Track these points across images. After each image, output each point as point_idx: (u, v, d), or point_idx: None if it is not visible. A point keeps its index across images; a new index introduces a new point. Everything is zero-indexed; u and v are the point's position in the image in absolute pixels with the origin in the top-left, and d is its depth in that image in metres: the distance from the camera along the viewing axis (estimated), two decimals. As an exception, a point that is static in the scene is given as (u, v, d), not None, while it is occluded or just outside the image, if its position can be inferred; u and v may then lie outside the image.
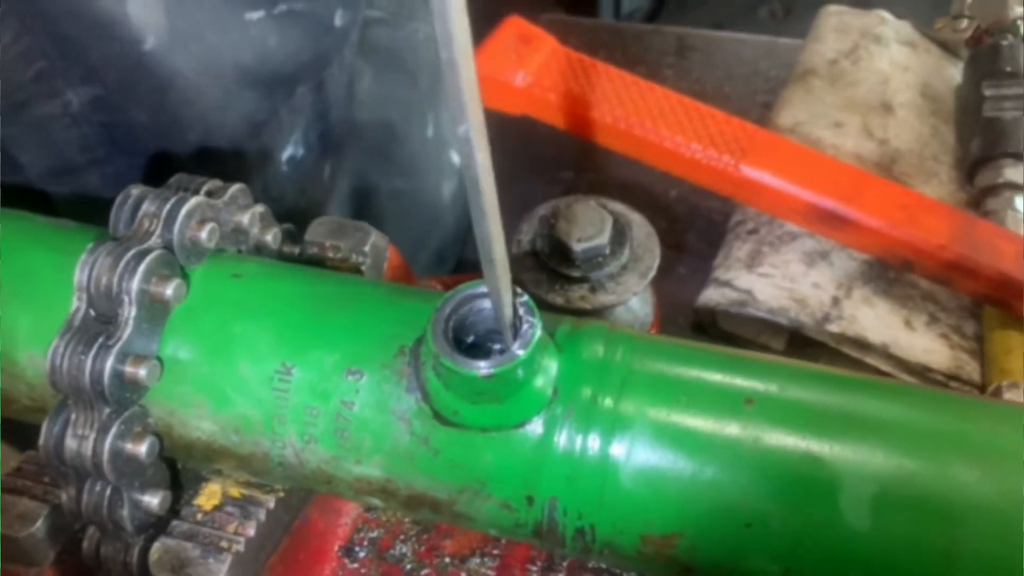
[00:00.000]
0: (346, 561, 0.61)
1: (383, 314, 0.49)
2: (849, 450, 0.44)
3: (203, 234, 0.51)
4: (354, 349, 0.48)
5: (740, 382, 0.46)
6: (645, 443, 0.44)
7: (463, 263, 0.94)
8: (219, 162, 0.77)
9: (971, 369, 0.72)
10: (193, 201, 0.50)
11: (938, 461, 0.44)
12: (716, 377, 0.46)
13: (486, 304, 0.45)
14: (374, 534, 0.62)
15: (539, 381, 0.45)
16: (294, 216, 0.87)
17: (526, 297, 0.44)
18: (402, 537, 0.61)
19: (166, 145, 0.78)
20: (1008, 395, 0.54)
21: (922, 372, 0.72)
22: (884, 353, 0.72)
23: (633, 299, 0.67)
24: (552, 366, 0.46)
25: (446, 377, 0.44)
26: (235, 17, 0.77)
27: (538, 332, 0.43)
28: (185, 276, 0.50)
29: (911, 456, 0.44)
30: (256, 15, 0.77)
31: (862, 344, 0.73)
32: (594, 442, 0.45)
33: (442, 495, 0.47)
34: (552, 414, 0.45)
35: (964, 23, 0.89)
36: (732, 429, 0.44)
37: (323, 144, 0.89)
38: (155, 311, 0.49)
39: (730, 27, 1.74)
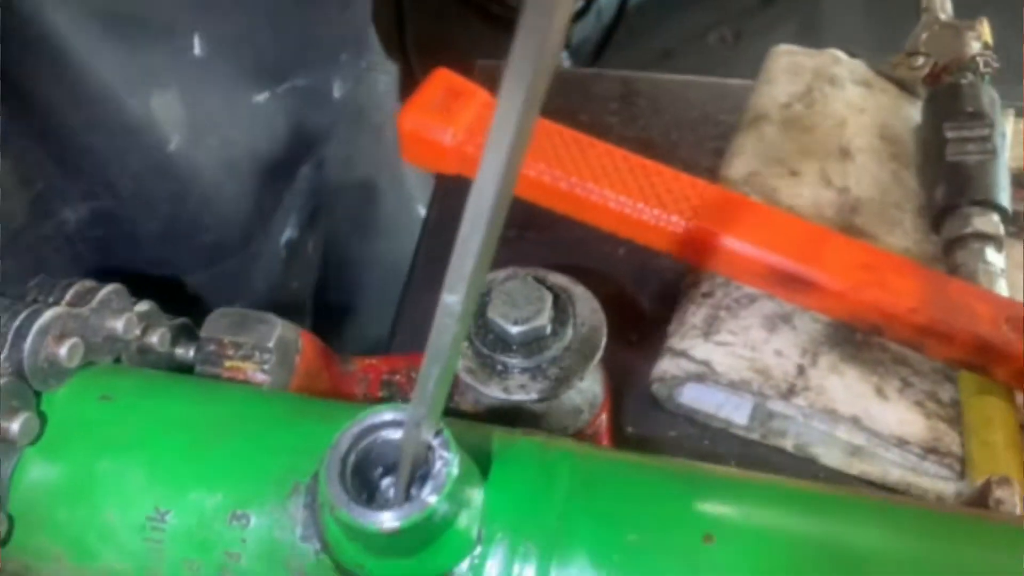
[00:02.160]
0: None
1: (276, 441, 0.41)
2: (828, 592, 0.37)
3: (63, 351, 0.43)
4: (240, 488, 0.40)
5: (698, 511, 0.39)
6: (588, 592, 0.37)
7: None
8: (228, 259, 0.71)
9: (950, 440, 0.66)
10: (49, 314, 0.43)
11: (934, 600, 0.37)
12: (669, 508, 0.39)
13: (394, 434, 0.38)
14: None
15: (462, 521, 0.38)
16: (286, 304, 0.81)
17: (441, 424, 0.37)
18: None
19: (174, 251, 0.72)
20: (998, 492, 0.49)
21: (898, 444, 0.66)
22: (856, 425, 0.66)
23: (581, 381, 0.60)
24: (477, 499, 0.39)
25: (345, 528, 0.36)
26: (244, 100, 0.72)
27: (455, 472, 0.36)
28: (39, 405, 0.42)
29: (901, 595, 0.37)
30: (262, 96, 0.73)
31: (832, 417, 0.66)
32: (528, 593, 0.37)
33: (351, 660, 0.40)
34: (479, 559, 0.38)
35: (920, 60, 0.84)
36: (689, 572, 0.37)
37: (312, 222, 0.84)
38: (1, 451, 0.41)
39: (681, 54, 1.71)
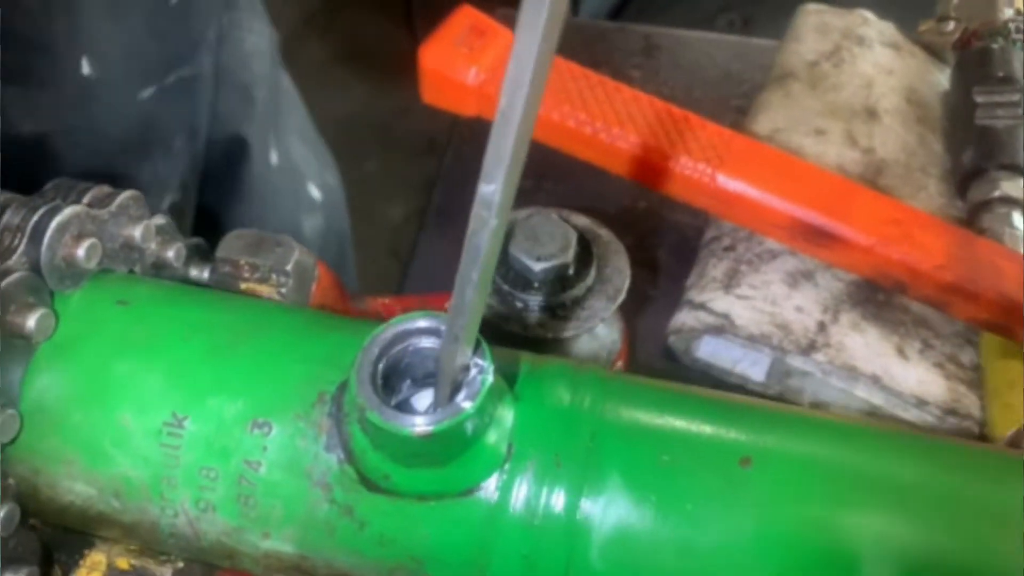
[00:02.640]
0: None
1: (300, 351, 0.40)
2: (868, 520, 0.36)
3: (80, 252, 0.41)
4: (261, 395, 0.39)
5: (734, 436, 0.38)
6: (620, 512, 0.36)
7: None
8: None
9: (969, 402, 0.65)
10: (68, 211, 0.41)
11: (972, 532, 0.36)
12: (705, 429, 0.38)
13: (426, 342, 0.36)
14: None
15: (491, 437, 0.37)
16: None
17: (479, 336, 0.35)
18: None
19: None
20: (1030, 442, 0.48)
21: (917, 405, 0.65)
22: (876, 384, 0.65)
23: (600, 325, 0.59)
24: (507, 417, 0.37)
25: (374, 434, 0.35)
26: (129, 100, 0.72)
27: (489, 379, 0.35)
28: (54, 304, 0.41)
29: (941, 526, 0.36)
30: (147, 92, 0.73)
31: (851, 374, 0.65)
32: (558, 510, 0.36)
33: (368, 574, 0.38)
34: (508, 477, 0.37)
35: (951, 25, 0.83)
36: (727, 495, 0.36)
37: (193, 184, 0.83)
38: (13, 347, 0.39)
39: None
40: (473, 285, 0.32)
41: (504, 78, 0.28)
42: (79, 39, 0.68)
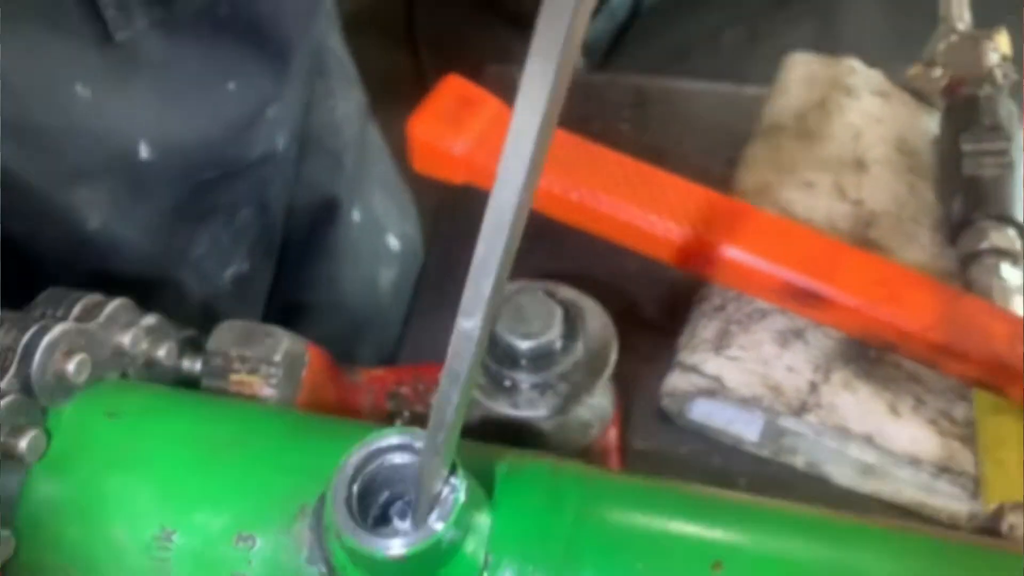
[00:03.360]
0: None
1: (282, 461, 0.41)
2: (840, 624, 0.37)
3: (70, 367, 0.43)
4: (245, 509, 0.40)
5: (707, 538, 0.39)
6: (596, 620, 0.37)
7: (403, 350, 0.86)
8: (159, 303, 0.73)
9: (963, 458, 0.66)
10: (57, 330, 0.42)
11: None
12: (678, 532, 0.39)
13: (399, 459, 0.37)
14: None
15: (469, 546, 0.37)
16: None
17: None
18: None
19: None
20: (1012, 518, 0.48)
21: (911, 463, 0.65)
22: (869, 444, 0.66)
23: (590, 397, 0.60)
24: (484, 525, 0.38)
25: (351, 554, 0.36)
26: (190, 180, 0.71)
27: (462, 498, 0.36)
28: (47, 419, 0.42)
29: (914, 629, 0.37)
30: (212, 174, 0.72)
31: (844, 435, 0.66)
32: (535, 620, 0.37)
33: None
34: (484, 587, 0.38)
35: (938, 71, 0.83)
36: (695, 603, 0.37)
37: (267, 253, 0.83)
38: (8, 468, 0.40)
39: (695, 54, 1.70)
40: (453, 407, 0.33)
41: (482, 227, 0.28)
42: (137, 125, 0.67)
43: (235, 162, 0.72)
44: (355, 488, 0.36)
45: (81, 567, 0.41)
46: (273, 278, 0.86)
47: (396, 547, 0.34)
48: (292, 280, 0.88)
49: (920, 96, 0.86)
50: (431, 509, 0.35)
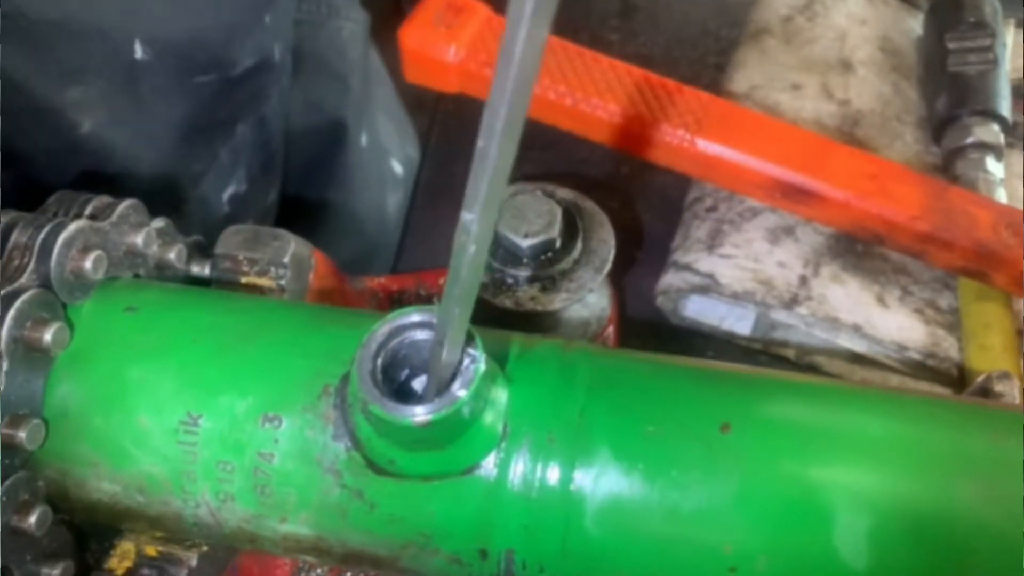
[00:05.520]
0: (287, 607, 0.55)
1: (303, 346, 0.42)
2: (840, 476, 0.39)
3: (87, 264, 0.43)
4: (270, 391, 0.41)
5: (713, 403, 0.41)
6: (611, 482, 0.39)
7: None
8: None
9: (948, 345, 0.68)
10: (73, 227, 0.43)
11: (938, 482, 0.39)
12: (686, 399, 0.41)
13: (420, 335, 0.39)
14: (318, 572, 0.57)
15: (488, 418, 0.39)
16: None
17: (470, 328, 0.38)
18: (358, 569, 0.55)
19: None
20: (999, 387, 0.50)
21: (898, 351, 0.68)
22: (857, 333, 0.68)
23: (590, 295, 0.62)
24: (502, 398, 0.40)
25: (377, 424, 0.38)
26: (184, 86, 0.70)
27: (482, 367, 0.37)
28: (68, 316, 0.43)
29: (908, 478, 0.39)
30: (207, 78, 0.71)
31: (834, 325, 0.68)
32: (553, 483, 0.39)
33: (382, 551, 0.41)
34: (505, 455, 0.39)
35: (922, -29, 0.84)
36: (708, 460, 0.39)
37: (265, 173, 0.83)
38: (33, 361, 0.41)
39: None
40: (455, 300, 0.34)
41: (481, 123, 0.29)
42: (133, 22, 0.66)
43: (231, 66, 0.72)
44: (379, 362, 0.38)
45: (108, 455, 0.42)
46: (280, 205, 0.86)
47: (421, 414, 0.36)
48: (301, 207, 0.88)
49: (904, -3, 0.86)
50: (453, 378, 0.37)
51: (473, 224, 0.31)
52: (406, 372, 0.40)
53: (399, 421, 0.36)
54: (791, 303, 0.69)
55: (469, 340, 0.37)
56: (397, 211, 0.96)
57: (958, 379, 0.68)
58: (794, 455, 0.39)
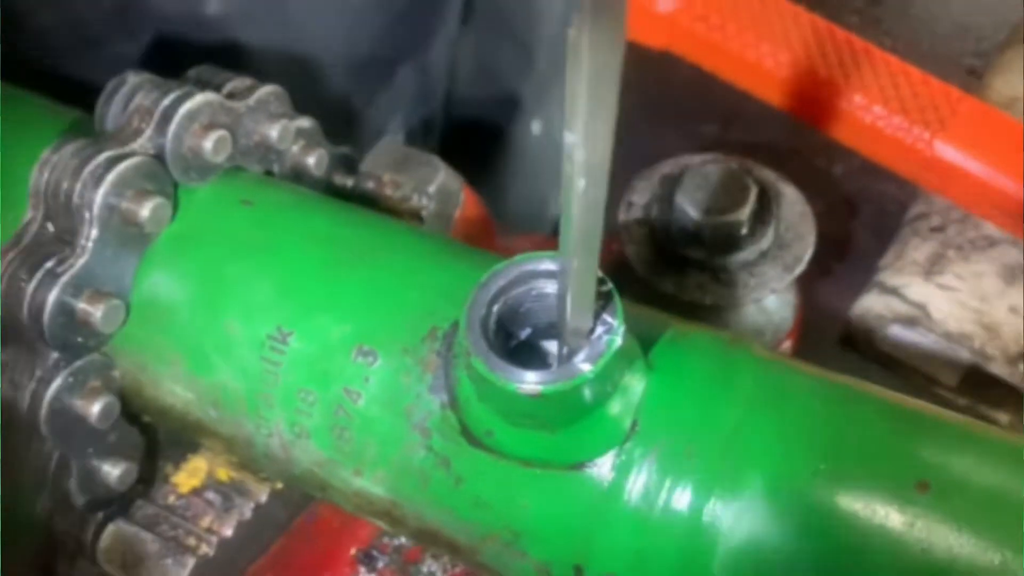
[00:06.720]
0: (362, 569, 0.50)
1: (419, 277, 0.36)
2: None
3: (208, 143, 0.39)
4: (371, 321, 0.35)
5: (913, 453, 0.31)
6: (756, 522, 0.30)
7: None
8: None
9: None
10: (199, 99, 0.38)
11: None
12: (878, 439, 0.31)
13: (551, 288, 0.31)
14: (401, 540, 0.51)
15: (614, 408, 0.31)
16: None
17: (610, 286, 0.30)
18: (435, 550, 0.49)
19: None
20: None
21: None
22: (1097, 411, 0.55)
23: (770, 297, 0.52)
24: (637, 388, 0.32)
25: (479, 384, 0.30)
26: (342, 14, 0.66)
27: (617, 341, 0.29)
28: (176, 195, 0.39)
29: None
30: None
31: (1068, 396, 0.55)
32: (681, 507, 0.31)
33: (460, 537, 0.34)
34: (627, 458, 0.31)
35: None
36: (895, 523, 0.29)
37: (425, 130, 0.78)
38: (126, 236, 0.37)
39: None
40: (572, 248, 0.27)
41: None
42: None
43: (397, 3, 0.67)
44: (495, 309, 0.30)
45: (189, 355, 0.38)
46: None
47: (530, 382, 0.29)
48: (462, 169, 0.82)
49: None
50: (579, 348, 0.29)
51: (577, 149, 0.23)
52: (528, 331, 0.33)
53: (503, 384, 0.29)
54: (1017, 359, 0.56)
55: (607, 305, 0.29)
56: (557, 218, 0.88)
57: None
58: (1004, 540, 0.29)
